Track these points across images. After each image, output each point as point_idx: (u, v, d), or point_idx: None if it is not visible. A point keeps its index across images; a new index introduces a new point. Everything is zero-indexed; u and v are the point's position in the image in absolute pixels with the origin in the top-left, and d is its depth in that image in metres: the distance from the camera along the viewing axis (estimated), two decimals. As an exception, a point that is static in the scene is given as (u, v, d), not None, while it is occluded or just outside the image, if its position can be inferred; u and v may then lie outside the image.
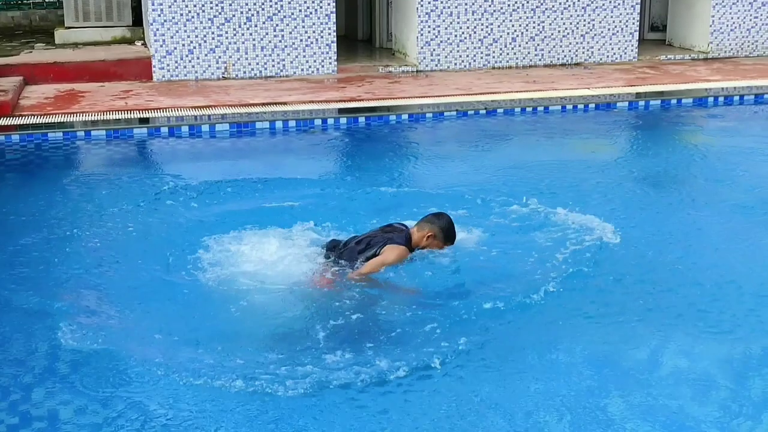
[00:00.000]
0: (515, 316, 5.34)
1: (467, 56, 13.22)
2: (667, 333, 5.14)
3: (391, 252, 5.57)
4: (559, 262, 5.97)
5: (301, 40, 12.55)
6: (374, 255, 5.59)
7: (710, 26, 14.19)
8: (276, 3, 12.33)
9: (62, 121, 9.93)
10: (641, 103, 11.21)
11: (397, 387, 4.54)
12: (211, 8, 12.14)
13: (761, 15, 14.31)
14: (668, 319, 5.32)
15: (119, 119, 10.03)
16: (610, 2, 13.59)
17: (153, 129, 9.80)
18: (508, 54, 13.37)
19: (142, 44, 13.23)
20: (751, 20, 14.31)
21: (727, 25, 14.24)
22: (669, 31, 15.28)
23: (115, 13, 13.62)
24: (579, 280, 5.75)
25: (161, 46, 12.10)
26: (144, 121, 10.00)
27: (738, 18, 14.25)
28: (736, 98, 11.55)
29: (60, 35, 13.41)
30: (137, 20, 13.66)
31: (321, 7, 12.48)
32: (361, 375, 4.57)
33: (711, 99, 11.49)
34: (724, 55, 14.32)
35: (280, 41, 12.47)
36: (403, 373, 4.60)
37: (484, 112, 10.66)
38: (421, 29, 12.97)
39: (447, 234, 5.70)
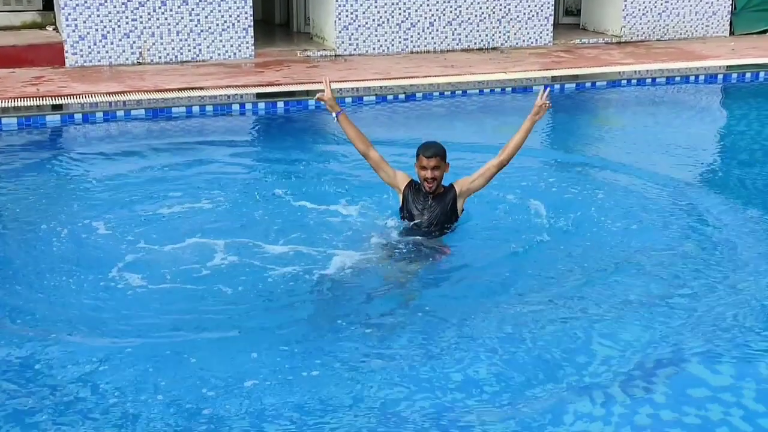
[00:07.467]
0: (444, 300, 5.43)
1: (385, 41, 13.24)
2: (588, 314, 5.23)
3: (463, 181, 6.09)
4: (477, 244, 6.06)
5: (218, 25, 12.41)
6: (448, 217, 6.01)
7: (623, 11, 14.47)
8: (191, -13, 12.19)
9: (-29, 108, 9.67)
10: (557, 86, 11.39)
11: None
12: (125, -8, 11.93)
13: (671, 0, 14.68)
14: (591, 301, 5.38)
15: (31, 106, 9.78)
16: (526, -13, 13.76)
17: (66, 116, 9.58)
18: (425, 38, 13.44)
19: (54, 29, 12.92)
20: (662, 5, 14.63)
21: (640, 10, 14.54)
22: (583, 15, 15.55)
23: (24, -4, 13.28)
24: (499, 268, 5.84)
25: (74, 31, 11.84)
26: (57, 107, 9.77)
27: (649, 2, 14.56)
28: (648, 81, 11.83)
29: (-33, 20, 13.02)
30: (48, 4, 13.31)
31: (237, -9, 12.37)
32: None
33: (624, 82, 11.74)
34: (637, 38, 14.63)
35: (196, 25, 12.31)
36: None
37: (403, 96, 10.71)
38: (339, 13, 12.94)
39: (418, 154, 5.99)
